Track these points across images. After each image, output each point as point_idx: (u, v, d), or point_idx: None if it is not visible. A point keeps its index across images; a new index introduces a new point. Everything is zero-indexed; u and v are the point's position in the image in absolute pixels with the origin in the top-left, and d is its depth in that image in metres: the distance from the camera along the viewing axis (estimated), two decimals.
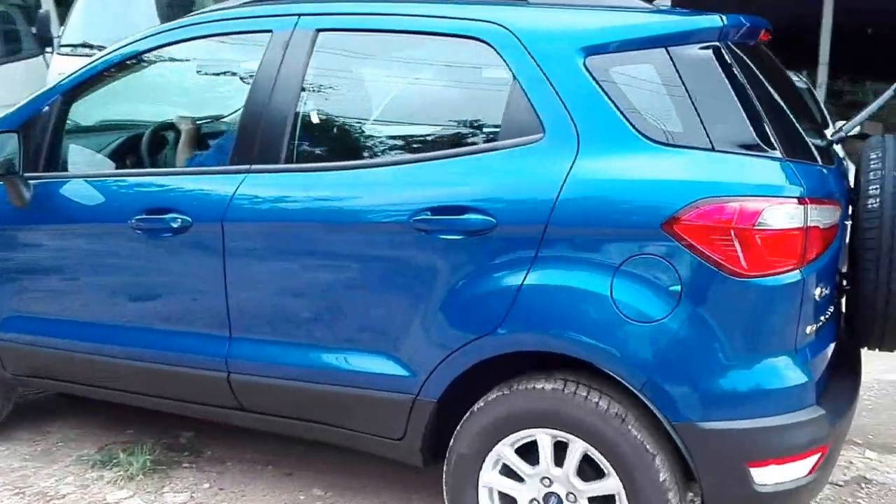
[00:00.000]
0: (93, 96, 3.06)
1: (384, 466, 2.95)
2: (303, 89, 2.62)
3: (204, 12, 2.93)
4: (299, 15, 2.69)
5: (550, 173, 2.25)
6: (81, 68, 3.02)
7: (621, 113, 2.23)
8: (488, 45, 2.40)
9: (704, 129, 2.17)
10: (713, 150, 2.15)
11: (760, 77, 2.37)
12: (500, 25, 2.40)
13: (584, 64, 2.29)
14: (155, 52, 2.94)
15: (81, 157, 3.14)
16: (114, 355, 2.93)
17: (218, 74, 3.16)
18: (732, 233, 2.06)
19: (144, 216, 2.76)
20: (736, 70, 2.25)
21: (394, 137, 2.64)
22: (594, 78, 2.27)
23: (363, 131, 2.71)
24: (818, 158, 2.33)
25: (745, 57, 2.35)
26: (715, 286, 2.10)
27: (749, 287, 2.08)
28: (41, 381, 3.23)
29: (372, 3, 2.64)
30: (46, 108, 3.02)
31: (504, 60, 2.37)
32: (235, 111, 2.84)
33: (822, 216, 2.16)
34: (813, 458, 2.19)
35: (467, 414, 2.43)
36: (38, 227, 3.02)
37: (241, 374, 2.73)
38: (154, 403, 3.04)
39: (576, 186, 2.21)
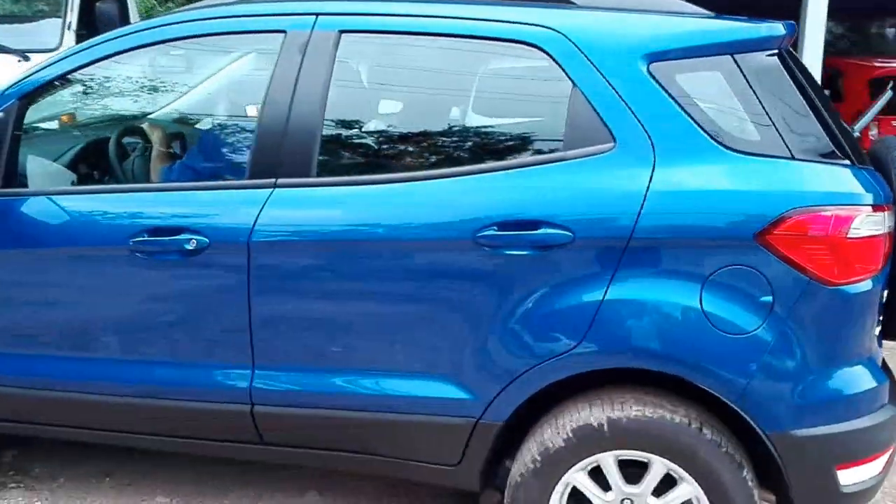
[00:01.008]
0: (64, 99, 2.67)
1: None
2: (330, 96, 2.40)
3: (201, 7, 2.61)
4: (316, 14, 2.46)
5: (629, 184, 2.18)
6: (49, 65, 2.62)
7: (694, 121, 2.19)
8: (542, 50, 2.29)
9: (781, 137, 2.17)
10: (793, 158, 2.16)
11: (807, 83, 2.41)
12: (555, 30, 2.29)
13: (649, 71, 2.23)
14: (144, 50, 2.58)
15: (49, 171, 2.75)
16: (112, 393, 2.60)
17: (219, 77, 2.83)
18: (826, 242, 2.08)
19: (146, 237, 2.45)
20: (799, 77, 2.28)
21: (443, 148, 2.47)
22: (661, 85, 2.22)
23: (408, 142, 2.51)
24: (870, 163, 2.40)
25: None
26: (807, 295, 2.11)
27: (838, 295, 2.11)
28: (14, 425, 2.81)
29: (405, 4, 2.46)
30: (1, 113, 2.61)
31: (562, 67, 2.27)
32: (244, 117, 2.56)
33: (892, 221, 2.23)
34: (886, 456, 2.27)
35: (535, 436, 2.33)
36: (4, 253, 2.60)
37: (267, 405, 2.50)
38: (155, 443, 2.72)
39: (659, 197, 2.15)
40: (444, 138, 2.49)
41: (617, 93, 2.22)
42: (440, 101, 2.53)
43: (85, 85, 2.69)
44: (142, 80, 2.86)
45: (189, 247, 2.40)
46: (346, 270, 2.38)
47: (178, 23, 2.58)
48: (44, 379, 2.66)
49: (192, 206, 2.47)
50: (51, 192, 2.62)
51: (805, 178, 2.14)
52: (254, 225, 2.38)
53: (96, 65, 2.61)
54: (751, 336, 2.13)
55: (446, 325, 2.33)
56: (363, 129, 2.55)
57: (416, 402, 2.38)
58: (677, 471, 2.23)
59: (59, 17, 5.76)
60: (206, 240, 2.40)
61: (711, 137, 2.18)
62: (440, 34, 2.40)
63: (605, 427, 2.23)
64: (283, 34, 2.46)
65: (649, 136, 2.19)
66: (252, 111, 2.94)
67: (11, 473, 3.12)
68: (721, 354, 2.15)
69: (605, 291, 2.19)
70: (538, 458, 2.31)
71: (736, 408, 2.17)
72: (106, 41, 2.60)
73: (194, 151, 2.84)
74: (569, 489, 2.33)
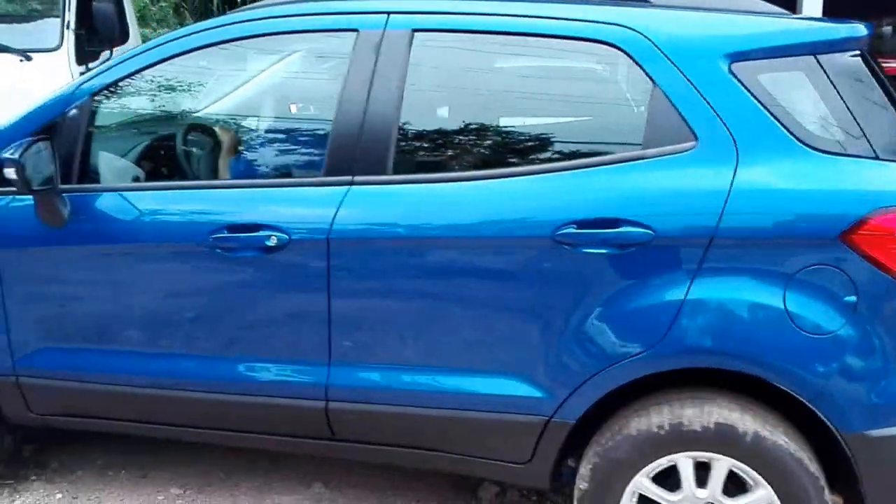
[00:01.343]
0: (138, 95, 2.71)
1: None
2: (406, 96, 2.42)
3: (268, 6, 2.63)
4: (388, 13, 2.48)
5: (713, 183, 2.18)
6: (120, 62, 2.65)
7: (777, 120, 2.19)
8: (621, 49, 2.30)
9: (865, 136, 2.16)
10: (877, 158, 2.15)
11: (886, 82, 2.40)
12: (633, 29, 2.30)
13: (731, 70, 2.23)
14: (216, 48, 2.61)
15: (118, 167, 2.79)
16: (183, 388, 2.63)
17: (291, 76, 2.86)
18: None
19: (226, 234, 2.48)
20: (880, 76, 2.27)
21: (519, 146, 2.48)
22: (743, 85, 2.22)
23: (484, 140, 2.52)
24: None
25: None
26: (890, 294, 2.11)
27: None
28: (77, 420, 2.85)
29: (479, 3, 2.47)
30: (75, 109, 2.65)
31: (641, 66, 2.28)
32: (316, 115, 2.59)
33: None
34: None
35: (603, 437, 2.34)
36: (77, 248, 2.64)
37: (342, 402, 2.52)
38: (221, 437, 2.76)
39: (743, 196, 2.15)
40: (520, 136, 2.50)
41: (699, 92, 2.23)
42: (516, 100, 2.54)
43: (153, 82, 2.72)
44: (209, 77, 2.89)
45: (269, 243, 2.43)
46: (422, 268, 2.40)
47: (246, 21, 2.61)
48: (115, 375, 2.69)
49: (270, 203, 2.49)
50: (128, 189, 2.66)
51: (890, 177, 2.13)
52: (332, 222, 2.40)
53: (165, 63, 2.63)
54: (833, 336, 2.12)
55: (522, 323, 2.34)
56: (438, 128, 2.56)
57: (490, 399, 2.40)
58: (749, 473, 2.22)
59: (56, 16, 5.78)
60: (286, 236, 2.42)
61: (795, 137, 2.18)
62: (516, 33, 2.41)
63: (677, 429, 2.24)
64: (355, 33, 2.48)
65: (732, 135, 2.20)
66: (293, 109, 3.00)
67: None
68: (802, 354, 2.14)
69: (687, 291, 2.19)
70: (607, 460, 2.32)
71: (813, 408, 2.17)
72: (174, 40, 2.63)
73: (262, 149, 2.87)
74: (636, 497, 2.33)
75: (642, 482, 2.31)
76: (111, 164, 2.75)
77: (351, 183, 2.43)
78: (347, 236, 2.40)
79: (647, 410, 2.30)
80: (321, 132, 2.57)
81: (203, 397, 2.63)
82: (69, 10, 5.76)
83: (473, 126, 2.52)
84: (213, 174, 2.82)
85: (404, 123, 2.44)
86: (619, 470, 2.31)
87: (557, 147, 2.41)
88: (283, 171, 2.76)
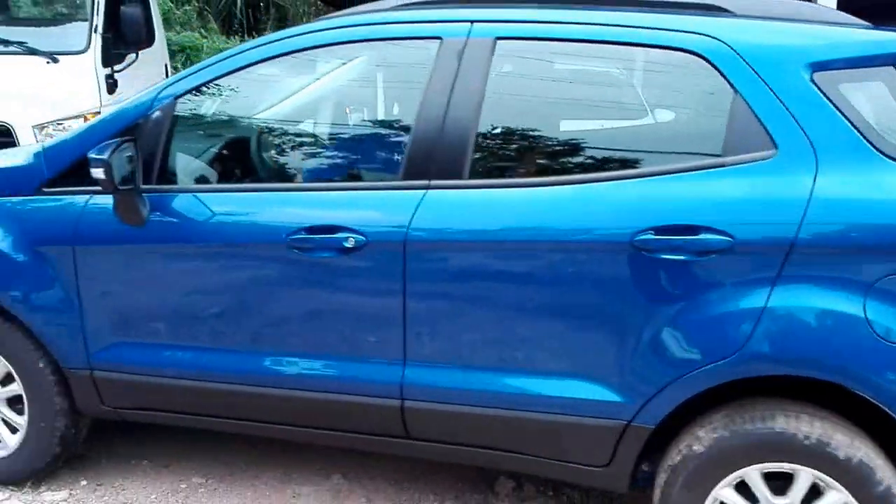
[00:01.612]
0: (220, 100, 2.76)
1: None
2: (485, 102, 2.46)
3: (355, 14, 2.68)
4: (472, 21, 2.52)
5: (793, 191, 2.20)
6: (204, 67, 2.71)
7: (857, 130, 2.21)
8: (702, 57, 2.32)
9: None
10: None
11: None
12: (716, 38, 2.32)
13: (812, 80, 2.25)
14: (298, 55, 2.66)
15: (194, 169, 2.84)
16: (257, 384, 2.69)
17: (373, 82, 2.91)
18: None
19: (304, 235, 2.52)
20: None
21: (597, 153, 2.51)
22: (825, 94, 2.24)
23: (563, 146, 2.56)
24: None
25: None
26: None
27: None
28: (147, 413, 2.92)
29: (561, 12, 2.50)
30: (158, 112, 2.71)
31: (723, 74, 2.30)
32: (395, 121, 2.63)
33: None
34: None
35: (687, 444, 2.36)
36: (154, 247, 2.70)
37: (417, 401, 2.56)
38: (294, 433, 2.80)
39: (824, 205, 2.17)
40: (598, 143, 2.53)
41: (780, 101, 2.25)
42: (595, 107, 2.57)
43: (235, 88, 2.77)
44: (288, 85, 2.95)
45: (347, 244, 2.48)
46: (498, 271, 2.43)
47: (329, 29, 2.66)
48: (187, 370, 2.76)
49: (348, 206, 2.54)
50: (208, 190, 2.72)
51: None
52: (409, 225, 2.44)
53: (247, 69, 2.69)
54: None
55: (600, 328, 2.37)
56: (517, 135, 2.60)
57: (568, 403, 2.43)
58: (826, 480, 2.24)
59: (84, 20, 5.93)
60: (364, 238, 2.47)
61: (875, 147, 2.19)
62: (596, 41, 2.44)
63: (756, 437, 2.26)
64: (438, 41, 2.52)
65: (812, 144, 2.22)
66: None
67: None
68: (883, 362, 2.16)
69: (767, 298, 2.21)
70: (691, 467, 2.33)
71: (893, 414, 2.18)
72: (256, 47, 2.69)
73: (339, 153, 2.91)
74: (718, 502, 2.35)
75: (723, 492, 2.32)
76: (190, 165, 2.82)
77: (427, 187, 2.47)
78: (424, 239, 2.44)
79: (729, 418, 2.31)
80: (399, 137, 2.61)
81: (275, 393, 2.69)
82: (97, 13, 5.91)
83: (552, 133, 2.55)
84: (291, 177, 2.87)
85: (483, 130, 2.48)
86: (702, 476, 2.33)
87: (636, 154, 2.43)
88: (361, 175, 2.80)
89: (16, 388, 2.97)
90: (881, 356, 2.15)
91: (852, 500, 2.22)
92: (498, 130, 2.53)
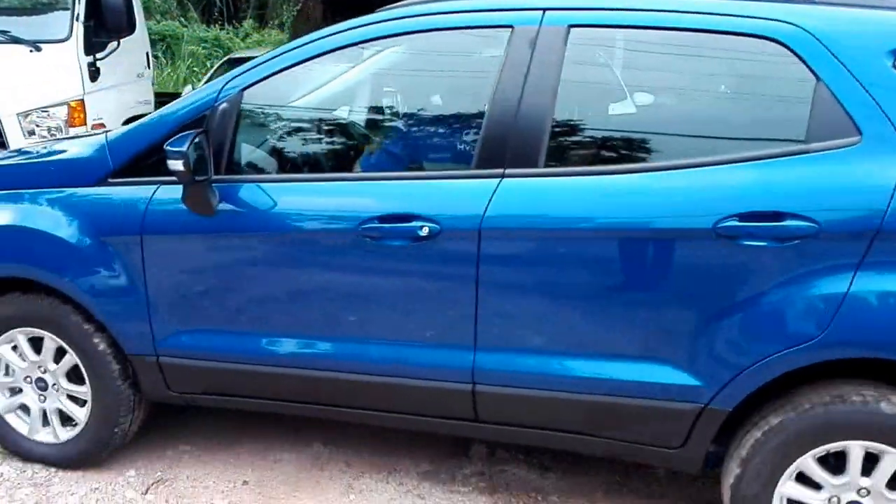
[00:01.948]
0: (286, 91, 2.76)
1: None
2: (560, 90, 2.45)
3: (415, 4, 2.65)
4: (544, 9, 2.50)
5: (879, 178, 2.20)
6: (270, 58, 2.70)
7: None
8: (783, 45, 2.31)
9: None
10: None
11: None
12: (797, 25, 2.31)
13: (895, 66, 2.24)
14: (364, 45, 2.66)
15: (270, 160, 2.84)
16: (325, 369, 2.72)
17: (442, 71, 2.88)
18: None
19: (377, 224, 2.53)
20: None
21: (676, 140, 2.49)
22: None
23: (639, 134, 2.55)
24: None
25: None
26: None
27: None
28: (213, 397, 2.95)
29: None
30: (225, 104, 2.69)
31: (805, 62, 2.29)
32: (466, 109, 2.62)
33: None
34: None
35: (764, 425, 2.38)
36: (222, 236, 2.71)
37: (489, 385, 2.58)
38: (360, 416, 2.84)
39: None
40: (676, 130, 2.52)
41: (864, 87, 2.24)
42: (671, 94, 2.56)
43: (301, 79, 2.77)
44: (356, 74, 2.93)
45: (422, 233, 2.48)
46: (576, 259, 2.43)
47: (396, 19, 2.65)
48: (254, 356, 2.78)
49: (422, 194, 2.54)
50: (278, 180, 2.72)
51: None
52: (484, 213, 2.44)
53: (313, 61, 2.68)
54: None
55: (680, 313, 2.38)
56: (592, 122, 2.59)
57: (645, 386, 2.45)
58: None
59: (66, 9, 6.05)
60: (438, 227, 2.47)
61: None
62: (672, 28, 2.42)
63: (836, 418, 2.29)
64: (510, 29, 2.51)
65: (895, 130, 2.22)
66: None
67: None
68: None
69: (850, 283, 2.22)
70: (767, 447, 2.37)
71: None
72: (321, 38, 2.67)
73: (409, 142, 2.90)
74: (793, 478, 2.38)
75: (804, 462, 2.35)
76: (258, 156, 2.81)
77: (502, 175, 2.46)
78: (499, 227, 2.44)
79: (804, 400, 2.34)
80: (471, 126, 2.60)
81: (342, 378, 2.72)
82: (79, 2, 6.03)
83: (628, 120, 2.55)
84: (361, 167, 2.86)
85: (559, 118, 2.47)
86: (778, 456, 2.36)
87: (718, 141, 2.42)
88: (432, 164, 2.79)
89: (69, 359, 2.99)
90: None
91: None
92: (574, 119, 2.52)
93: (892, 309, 2.22)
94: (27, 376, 3.04)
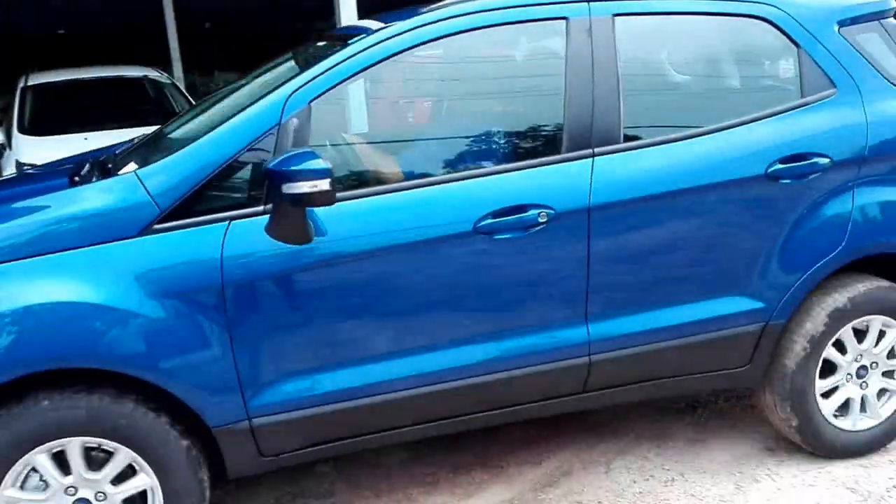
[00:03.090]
0: (356, 97, 2.59)
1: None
2: (621, 73, 2.74)
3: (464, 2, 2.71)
4: (588, 1, 2.78)
5: (857, 118, 2.92)
6: (331, 67, 2.51)
7: (876, 69, 3.01)
8: (770, 22, 2.92)
9: None
10: None
11: None
12: (776, 7, 2.94)
13: (841, 33, 2.99)
14: (427, 46, 2.62)
15: (357, 172, 2.66)
16: (443, 381, 2.65)
17: (508, 64, 2.89)
18: None
19: (491, 220, 2.56)
20: None
21: (722, 105, 2.94)
22: (851, 44, 2.99)
23: (694, 102, 2.95)
24: None
25: None
26: None
27: None
28: (313, 449, 2.63)
29: None
30: (294, 119, 2.46)
31: (787, 35, 2.92)
32: (545, 97, 2.77)
33: None
34: None
35: (802, 328, 2.99)
36: (324, 264, 2.46)
37: (602, 353, 2.79)
38: (470, 422, 2.79)
39: (877, 125, 2.93)
40: (719, 96, 3.00)
41: (829, 51, 2.95)
42: (705, 67, 3.02)
43: (367, 84, 2.60)
44: (423, 75, 2.82)
45: (541, 220, 2.58)
46: (663, 218, 2.76)
47: (454, 17, 2.66)
48: (368, 385, 2.59)
49: (530, 183, 2.63)
50: (374, 193, 2.54)
51: None
52: (589, 191, 2.65)
53: (377, 66, 2.58)
54: None
55: (746, 250, 2.86)
56: (654, 98, 2.91)
57: (725, 319, 2.88)
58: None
59: None
60: (553, 211, 2.60)
61: (887, 79, 3.01)
62: (694, 13, 2.88)
63: (849, 304, 2.99)
64: (564, 21, 2.73)
65: (855, 82, 2.96)
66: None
67: None
68: None
69: (853, 200, 2.92)
70: (807, 346, 2.98)
71: None
72: (381, 42, 2.59)
73: (498, 136, 2.87)
74: (820, 361, 3.03)
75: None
76: (343, 170, 2.57)
77: (593, 155, 2.69)
78: (603, 201, 2.67)
79: (828, 297, 2.99)
80: (553, 112, 2.74)
81: (459, 385, 2.67)
82: None
83: (683, 93, 2.94)
84: (452, 167, 2.77)
85: (626, 96, 2.75)
86: (813, 347, 2.99)
87: (749, 103, 2.93)
88: (526, 153, 2.82)
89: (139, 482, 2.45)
90: None
91: None
92: (638, 96, 2.81)
93: (882, 216, 2.96)
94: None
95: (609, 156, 2.71)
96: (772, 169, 2.81)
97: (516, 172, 2.66)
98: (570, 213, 2.64)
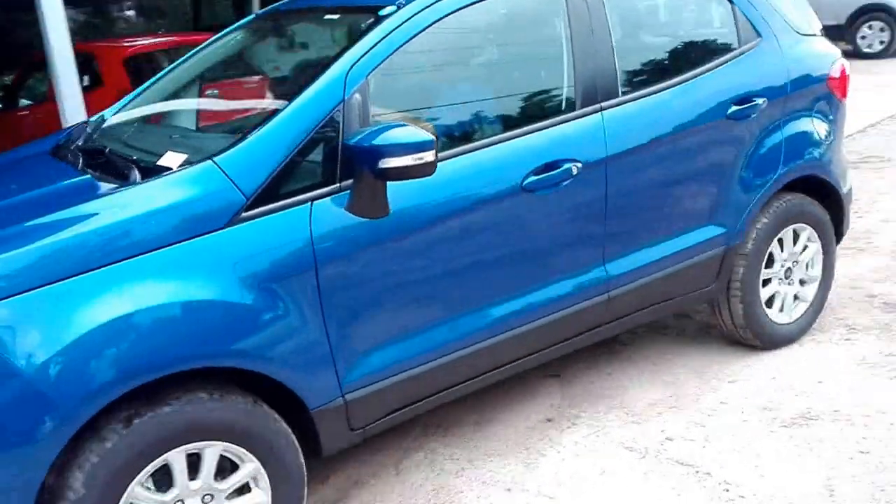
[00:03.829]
0: (404, 68, 2.62)
1: None
2: (612, 32, 3.01)
3: None
4: None
5: (780, 60, 3.45)
6: (380, 40, 2.52)
7: (784, 19, 3.55)
8: None
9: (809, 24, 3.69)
10: (816, 35, 3.70)
11: None
12: None
13: None
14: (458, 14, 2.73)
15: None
16: (508, 329, 2.85)
17: (515, 29, 2.96)
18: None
19: (534, 177, 2.75)
20: None
21: (683, 57, 3.28)
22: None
23: (661, 59, 3.26)
24: None
25: None
26: (836, 108, 3.72)
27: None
28: (397, 414, 2.70)
29: None
30: (357, 94, 2.46)
31: None
32: (556, 58, 2.94)
33: None
34: None
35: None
36: (399, 232, 2.51)
37: (617, 288, 3.10)
38: (518, 367, 2.99)
39: (792, 65, 3.48)
40: (678, 51, 3.32)
41: (753, 5, 3.43)
42: (674, 26, 3.40)
43: (413, 54, 2.61)
44: (461, 42, 2.82)
45: (574, 172, 2.81)
46: (655, 161, 3.10)
47: None
48: (443, 345, 2.70)
49: (561, 140, 2.84)
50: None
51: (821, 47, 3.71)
52: (605, 143, 2.91)
53: (417, 38, 2.63)
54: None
55: (715, 184, 3.30)
56: (637, 53, 3.17)
57: (701, 245, 3.31)
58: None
59: None
60: (581, 163, 2.84)
61: (792, 28, 3.57)
62: None
63: (781, 211, 3.54)
64: None
65: (773, 30, 3.48)
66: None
67: None
68: (828, 157, 3.64)
69: (782, 132, 3.45)
70: (752, 258, 3.50)
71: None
72: (421, 11, 2.65)
73: (523, 97, 2.96)
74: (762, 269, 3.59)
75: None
76: None
77: (601, 109, 2.95)
78: (616, 151, 2.95)
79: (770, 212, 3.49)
80: (565, 72, 2.93)
81: (521, 330, 2.88)
82: None
83: (655, 49, 3.24)
84: (501, 127, 2.82)
85: (618, 55, 3.02)
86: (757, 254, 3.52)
87: (702, 54, 3.33)
88: (547, 113, 2.93)
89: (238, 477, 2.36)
90: (825, 151, 3.63)
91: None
92: (624, 53, 3.07)
93: (804, 142, 3.53)
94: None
95: (612, 109, 2.98)
96: (730, 111, 3.24)
97: (545, 131, 2.85)
98: (594, 164, 2.89)
